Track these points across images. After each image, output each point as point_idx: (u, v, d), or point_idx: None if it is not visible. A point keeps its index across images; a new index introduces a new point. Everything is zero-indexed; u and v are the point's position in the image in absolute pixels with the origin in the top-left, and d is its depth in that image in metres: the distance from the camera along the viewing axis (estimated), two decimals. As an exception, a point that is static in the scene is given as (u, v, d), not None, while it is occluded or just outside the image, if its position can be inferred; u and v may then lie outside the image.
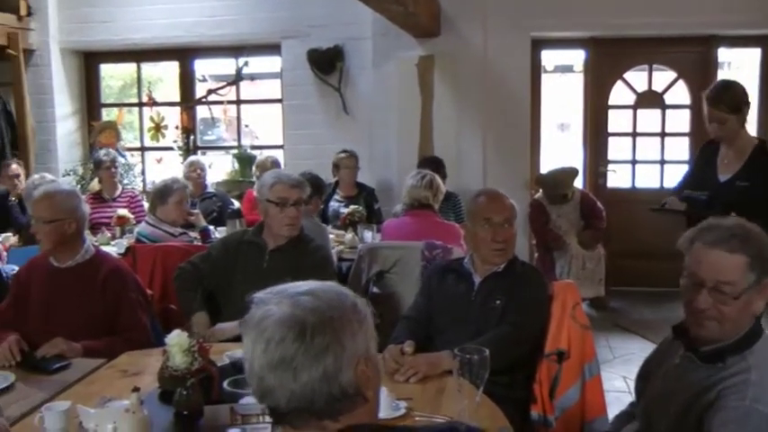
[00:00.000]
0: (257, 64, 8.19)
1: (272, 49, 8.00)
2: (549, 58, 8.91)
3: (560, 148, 11.20)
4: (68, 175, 8.34)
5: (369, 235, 5.81)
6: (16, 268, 4.21)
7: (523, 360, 3.18)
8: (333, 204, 6.66)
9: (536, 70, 7.77)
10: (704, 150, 4.66)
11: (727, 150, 4.45)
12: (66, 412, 2.51)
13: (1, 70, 8.45)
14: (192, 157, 7.38)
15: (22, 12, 8.23)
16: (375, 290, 4.91)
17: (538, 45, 7.69)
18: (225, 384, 2.53)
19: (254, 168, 7.49)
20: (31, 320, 3.57)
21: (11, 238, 6.28)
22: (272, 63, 8.29)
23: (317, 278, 3.45)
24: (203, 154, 8.55)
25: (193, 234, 5.55)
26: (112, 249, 5.34)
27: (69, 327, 3.41)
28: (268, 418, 2.23)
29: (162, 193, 5.38)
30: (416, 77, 7.34)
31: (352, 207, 6.32)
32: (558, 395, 3.16)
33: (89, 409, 2.40)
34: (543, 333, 3.23)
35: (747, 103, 4.37)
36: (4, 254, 5.49)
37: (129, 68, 9.47)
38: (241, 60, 8.03)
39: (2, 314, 3.68)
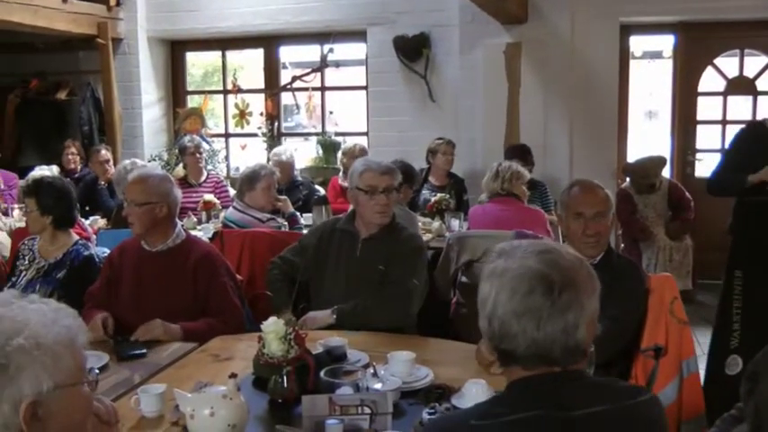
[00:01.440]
0: (342, 51, 8.17)
1: (357, 35, 7.97)
2: (638, 43, 8.69)
3: (648, 137, 10.91)
4: (154, 160, 8.46)
5: (456, 223, 5.75)
6: (107, 251, 4.25)
7: (619, 355, 3.08)
8: (424, 193, 6.60)
9: (624, 56, 7.57)
10: (755, 130, 4.49)
11: None
12: (162, 395, 2.53)
13: (90, 59, 8.63)
14: (278, 150, 7.39)
15: (112, 2, 8.37)
16: (464, 279, 4.84)
17: (626, 30, 7.49)
18: (322, 374, 2.49)
19: (339, 155, 7.47)
20: (121, 303, 3.62)
21: (99, 220, 6.41)
22: (357, 50, 8.25)
23: (410, 268, 3.42)
24: (285, 140, 8.59)
25: (281, 220, 5.55)
26: (199, 234, 5.38)
27: (160, 310, 3.43)
28: (367, 410, 2.22)
29: (250, 179, 5.39)
30: (503, 65, 7.24)
31: (439, 195, 6.26)
32: (655, 392, 3.05)
33: (186, 393, 2.39)
34: (640, 328, 3.13)
35: None
36: (94, 237, 5.58)
37: (211, 56, 9.55)
38: (326, 47, 8.02)
39: (94, 295, 3.72)
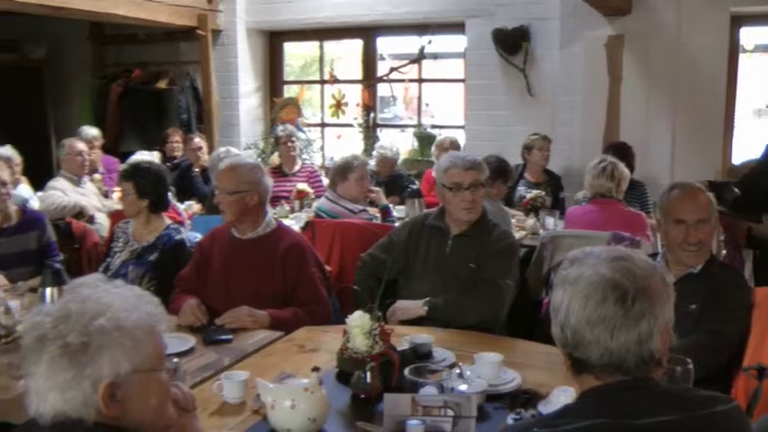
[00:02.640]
0: (440, 43, 8.08)
1: (456, 27, 7.86)
2: (749, 35, 8.29)
3: (756, 137, 10.48)
4: (249, 148, 8.56)
5: (551, 222, 5.62)
6: (199, 236, 4.30)
7: (718, 372, 2.91)
8: (519, 189, 6.48)
9: (734, 50, 7.20)
10: None
11: None
12: (244, 382, 2.54)
13: (190, 49, 8.79)
14: (384, 144, 7.38)
15: (212, -6, 8.53)
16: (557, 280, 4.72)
17: (737, 21, 7.08)
18: (406, 372, 2.43)
19: (433, 148, 7.42)
20: (210, 288, 3.65)
21: (194, 206, 6.52)
22: (455, 42, 8.16)
23: (502, 267, 3.30)
24: (380, 131, 8.58)
25: (373, 211, 5.53)
26: (291, 223, 5.41)
27: (248, 297, 3.45)
28: (450, 412, 2.16)
29: (342, 170, 5.38)
30: (604, 58, 7.03)
31: (534, 192, 6.14)
32: (758, 415, 2.87)
33: (268, 383, 2.38)
34: (742, 344, 2.94)
35: None
36: (188, 222, 5.67)
37: (309, 47, 9.59)
38: (424, 39, 7.95)
39: (184, 280, 3.77)
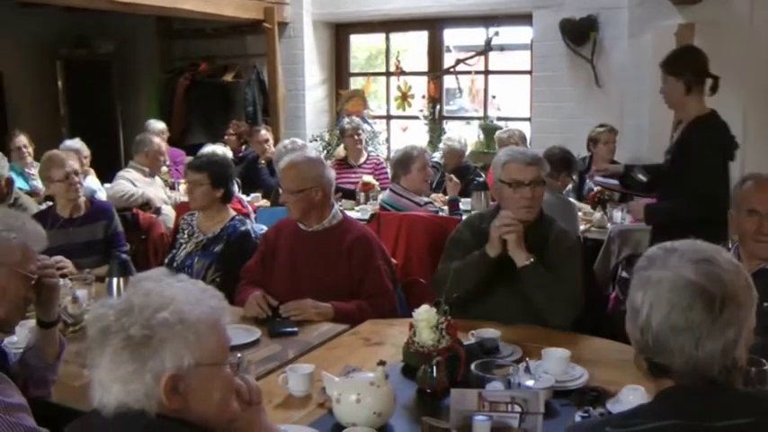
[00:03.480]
0: (507, 34, 8.00)
1: (523, 18, 7.77)
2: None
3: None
4: (315, 140, 8.60)
5: (618, 215, 5.51)
6: (264, 228, 4.34)
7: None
8: (589, 183, 6.37)
9: (813, 40, 7.02)
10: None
11: (676, 122, 4.18)
12: (309, 375, 2.54)
13: (256, 42, 8.85)
14: (452, 136, 7.34)
15: (278, -12, 8.57)
16: (625, 274, 4.64)
17: (813, 10, 6.91)
18: (472, 367, 2.41)
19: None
20: (276, 280, 3.67)
21: (260, 198, 6.58)
22: (522, 33, 8.07)
23: (567, 269, 3.14)
24: (446, 123, 8.53)
25: (439, 204, 5.50)
26: (357, 215, 5.41)
27: (313, 289, 3.46)
28: (517, 408, 2.12)
29: (404, 162, 5.35)
30: (674, 48, 6.85)
31: (602, 185, 6.04)
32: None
33: (333, 376, 2.39)
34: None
35: (696, 73, 3.91)
36: (253, 214, 5.73)
37: (375, 39, 9.58)
38: (491, 30, 7.89)
39: (250, 272, 3.80)
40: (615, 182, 4.57)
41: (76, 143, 6.73)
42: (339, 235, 3.67)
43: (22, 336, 2.87)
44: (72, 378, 2.72)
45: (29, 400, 2.17)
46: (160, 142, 6.66)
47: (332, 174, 3.78)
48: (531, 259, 3.14)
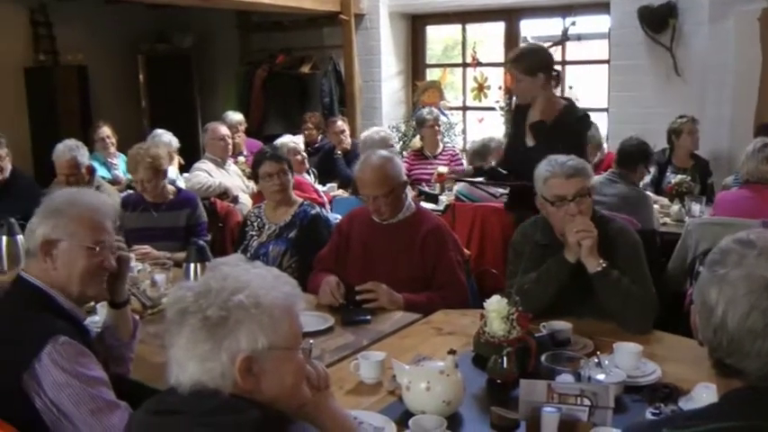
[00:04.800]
0: (584, 23, 7.88)
1: (600, 7, 7.64)
2: None
3: None
4: (391, 131, 8.63)
5: (697, 208, 5.40)
6: (339, 217, 4.39)
7: None
8: (668, 175, 6.25)
9: None
10: (515, 113, 4.55)
11: (533, 115, 4.29)
12: (381, 363, 2.57)
13: (333, 34, 8.92)
14: None
15: (355, -20, 8.61)
16: (701, 270, 4.52)
17: None
18: (543, 359, 2.40)
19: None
20: (349, 270, 3.70)
21: (335, 188, 6.65)
22: (599, 22, 7.94)
23: (633, 273, 3.04)
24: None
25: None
26: (432, 206, 5.42)
27: (387, 281, 3.47)
28: (587, 401, 2.11)
29: (480, 154, 5.35)
30: (758, 33, 6.65)
31: (679, 177, 5.91)
32: None
33: (404, 364, 2.41)
34: None
35: (547, 70, 4.24)
36: (328, 204, 5.80)
37: (451, 30, 9.54)
38: (568, 20, 7.79)
39: (323, 260, 3.84)
40: (480, 179, 4.61)
41: (167, 136, 6.90)
42: (413, 226, 3.68)
43: (102, 315, 2.95)
44: (150, 357, 2.83)
45: (110, 376, 2.25)
46: (219, 126, 6.80)
47: (401, 162, 3.82)
48: (604, 265, 2.98)
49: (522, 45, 4.61)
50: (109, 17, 9.40)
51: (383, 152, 3.85)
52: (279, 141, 6.18)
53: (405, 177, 3.73)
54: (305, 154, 6.57)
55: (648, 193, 5.49)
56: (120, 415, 2.13)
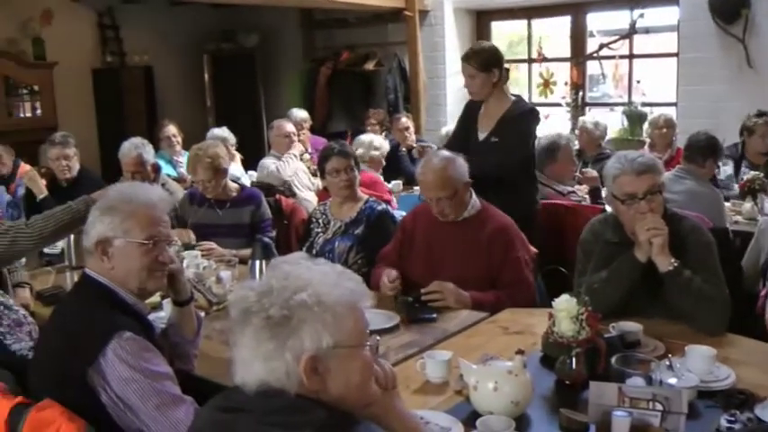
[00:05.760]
0: (652, 16, 7.73)
1: (669, -1, 7.52)
2: None
3: None
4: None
5: (771, 206, 5.25)
6: (404, 213, 4.37)
7: None
8: (743, 170, 6.07)
9: None
10: (467, 108, 4.84)
11: (486, 109, 4.62)
12: (447, 362, 2.55)
13: (397, 30, 8.91)
14: (588, 119, 7.16)
15: (420, -24, 8.59)
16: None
17: None
18: (613, 360, 2.34)
19: (646, 125, 7.13)
20: (413, 268, 3.68)
21: (401, 185, 6.64)
22: (668, 14, 7.78)
23: (706, 271, 2.95)
24: (589, 110, 8.34)
25: (581, 193, 5.38)
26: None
27: (452, 280, 3.44)
28: (659, 406, 2.05)
29: (550, 150, 5.24)
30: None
31: (752, 173, 5.73)
32: None
33: (471, 364, 2.38)
34: None
35: (499, 66, 4.53)
36: (394, 200, 5.78)
37: (516, 25, 9.46)
38: (636, 13, 7.65)
39: (387, 257, 3.83)
40: None
41: (224, 131, 6.99)
42: (478, 225, 3.63)
43: (168, 310, 2.97)
44: (215, 353, 2.84)
45: (175, 372, 2.27)
46: (285, 123, 6.88)
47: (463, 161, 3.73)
48: (675, 264, 2.90)
49: (476, 42, 4.80)
50: (174, 18, 9.56)
51: (446, 152, 3.79)
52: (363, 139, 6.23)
53: (468, 177, 3.66)
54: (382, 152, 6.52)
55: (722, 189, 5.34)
56: (185, 409, 2.15)
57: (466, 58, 4.55)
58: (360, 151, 5.91)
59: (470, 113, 4.74)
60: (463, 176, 3.61)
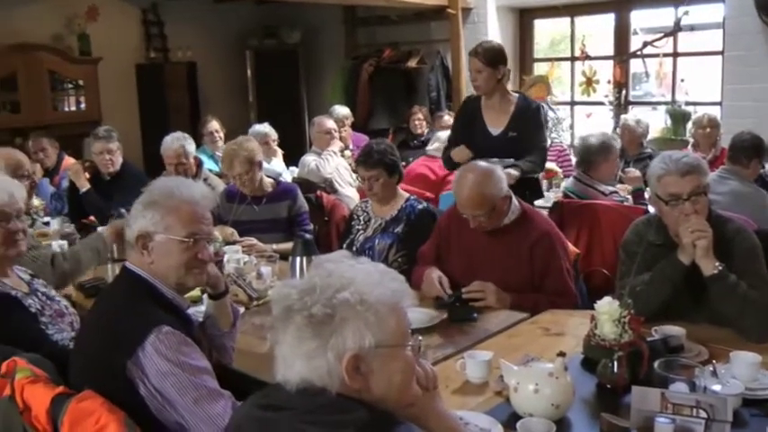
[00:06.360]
0: (697, 13, 7.62)
1: (715, -5, 7.41)
2: None
3: None
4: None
5: (819, 207, 5.14)
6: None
7: None
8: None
9: None
10: (467, 107, 4.99)
11: (491, 105, 4.79)
12: (488, 362, 2.54)
13: (440, 28, 8.88)
14: (630, 117, 7.08)
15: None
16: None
17: None
18: (655, 365, 2.30)
19: (689, 126, 7.03)
20: (452, 269, 3.63)
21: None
22: (713, 11, 7.67)
23: (752, 276, 2.89)
24: (632, 109, 8.25)
25: (623, 193, 5.33)
26: (540, 202, 5.33)
27: (493, 283, 3.40)
28: (702, 413, 2.01)
29: (600, 151, 5.16)
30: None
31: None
32: None
33: (512, 365, 2.37)
34: None
35: (504, 64, 4.77)
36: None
37: (559, 24, 9.39)
38: (680, 10, 7.54)
39: (425, 256, 3.81)
40: (510, 160, 4.62)
41: (265, 127, 7.04)
42: (520, 231, 3.55)
43: (206, 304, 3.00)
44: (254, 348, 2.88)
45: (213, 366, 2.28)
46: (326, 120, 6.95)
47: (500, 170, 3.63)
48: (720, 267, 2.83)
49: (483, 41, 5.03)
50: (217, 15, 9.63)
51: (482, 165, 3.64)
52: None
53: (506, 190, 3.53)
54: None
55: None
56: (223, 404, 2.16)
57: (474, 54, 4.72)
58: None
59: (471, 111, 4.87)
60: (501, 191, 3.49)
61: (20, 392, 2.21)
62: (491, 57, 4.67)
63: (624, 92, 8.16)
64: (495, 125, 4.75)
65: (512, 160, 4.49)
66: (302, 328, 1.58)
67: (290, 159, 7.34)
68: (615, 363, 2.38)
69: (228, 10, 9.69)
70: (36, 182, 4.87)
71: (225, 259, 3.75)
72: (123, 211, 4.12)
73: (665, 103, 7.90)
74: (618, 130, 7.07)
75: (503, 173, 3.60)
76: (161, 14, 9.23)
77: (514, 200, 3.63)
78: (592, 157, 5.10)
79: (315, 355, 1.57)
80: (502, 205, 3.51)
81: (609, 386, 2.40)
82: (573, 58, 8.70)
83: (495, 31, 8.72)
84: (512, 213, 3.58)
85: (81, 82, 8.62)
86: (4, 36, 7.85)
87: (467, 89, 8.53)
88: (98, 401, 2.07)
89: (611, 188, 5.15)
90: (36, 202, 5.27)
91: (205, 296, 2.80)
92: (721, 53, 7.41)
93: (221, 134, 7.40)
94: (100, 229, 4.31)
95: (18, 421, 2.22)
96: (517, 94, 4.91)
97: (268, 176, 4.95)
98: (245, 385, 2.38)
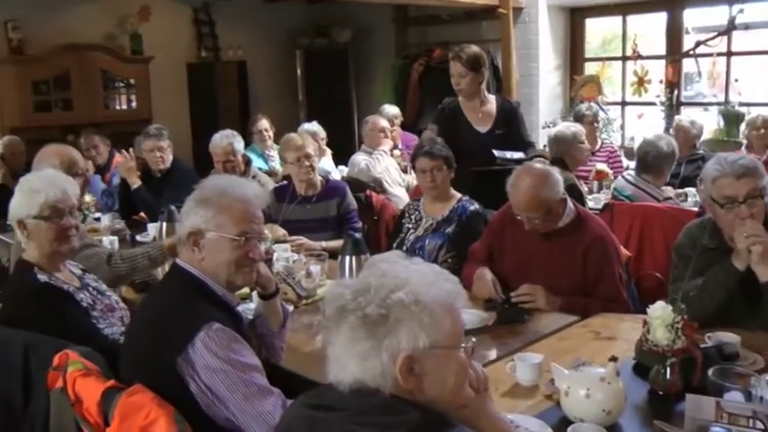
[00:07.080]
0: (753, 11, 7.47)
1: (772, -6, 7.26)
2: None
3: None
4: (547, 127, 8.47)
5: None
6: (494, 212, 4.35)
7: None
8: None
9: None
10: (444, 110, 5.23)
11: (472, 107, 5.07)
12: (538, 365, 2.53)
13: (491, 28, 8.83)
14: (684, 119, 6.97)
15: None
16: None
17: None
18: (710, 372, 2.25)
19: (742, 127, 6.91)
20: (504, 270, 3.61)
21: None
22: (769, 9, 7.52)
23: None
24: (684, 110, 8.13)
25: (675, 198, 5.25)
26: (590, 204, 5.29)
27: (544, 287, 3.38)
28: (759, 425, 1.97)
29: (665, 157, 5.06)
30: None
31: None
32: None
33: (563, 369, 2.35)
34: None
35: (485, 67, 5.06)
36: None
37: (610, 23, 9.29)
38: (735, 8, 7.41)
39: (476, 254, 3.80)
40: (520, 154, 4.89)
41: (314, 126, 7.07)
42: (574, 235, 3.50)
43: (256, 302, 3.02)
44: (302, 347, 2.90)
45: (263, 363, 2.30)
46: (379, 119, 7.01)
47: (556, 172, 3.58)
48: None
49: (464, 45, 5.16)
50: (268, 14, 9.70)
51: (538, 167, 3.59)
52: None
53: (561, 193, 3.49)
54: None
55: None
56: (273, 401, 2.17)
57: (458, 59, 4.95)
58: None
59: (452, 115, 5.13)
60: (557, 194, 3.44)
61: (72, 385, 2.26)
62: (473, 62, 4.94)
63: (676, 92, 8.04)
64: (481, 124, 5.04)
65: (521, 154, 4.82)
66: (356, 328, 1.58)
67: (339, 159, 7.36)
68: (668, 369, 2.34)
69: (279, 9, 9.75)
70: (89, 179, 4.95)
71: (274, 257, 3.78)
72: (173, 208, 4.17)
73: (718, 104, 7.78)
74: (671, 131, 6.96)
75: (559, 175, 3.55)
76: (212, 14, 9.31)
77: (569, 203, 3.58)
78: (660, 162, 4.99)
79: (368, 356, 1.57)
80: (557, 208, 3.47)
81: (661, 393, 2.36)
82: (624, 58, 8.60)
83: (546, 30, 8.66)
84: (566, 216, 3.53)
85: (132, 81, 8.72)
86: (59, 36, 7.99)
87: (517, 89, 8.50)
88: (148, 396, 2.10)
89: (666, 194, 5.06)
90: (87, 198, 5.34)
91: (255, 294, 2.82)
92: (777, 53, 7.27)
93: (271, 133, 7.45)
94: (159, 238, 4.36)
95: (69, 413, 2.27)
96: (494, 96, 5.24)
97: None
98: (294, 383, 2.40)
